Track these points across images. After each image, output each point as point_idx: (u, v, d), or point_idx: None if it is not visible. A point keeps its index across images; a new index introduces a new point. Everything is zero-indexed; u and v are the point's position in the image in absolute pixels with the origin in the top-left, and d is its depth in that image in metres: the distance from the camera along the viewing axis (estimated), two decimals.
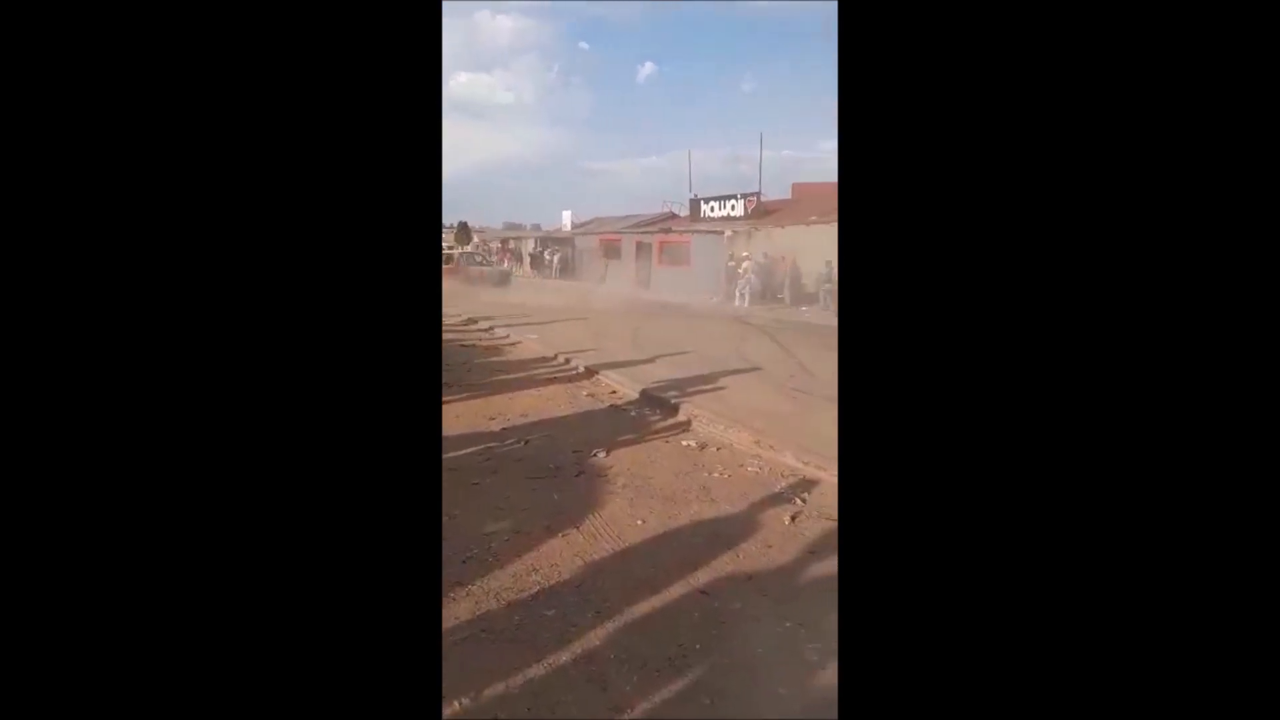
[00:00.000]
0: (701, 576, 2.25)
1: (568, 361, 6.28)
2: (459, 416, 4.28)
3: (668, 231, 19.86)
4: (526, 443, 3.78)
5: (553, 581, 2.21)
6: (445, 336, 7.89)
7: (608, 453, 3.62)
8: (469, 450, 3.58)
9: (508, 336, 7.93)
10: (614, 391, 5.22)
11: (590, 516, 2.76)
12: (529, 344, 7.40)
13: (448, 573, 2.22)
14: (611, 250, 22.77)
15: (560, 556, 2.40)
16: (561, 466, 3.41)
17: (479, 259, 22.61)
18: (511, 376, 5.60)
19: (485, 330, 8.73)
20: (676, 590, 2.16)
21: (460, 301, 12.24)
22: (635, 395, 5.02)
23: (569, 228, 28.07)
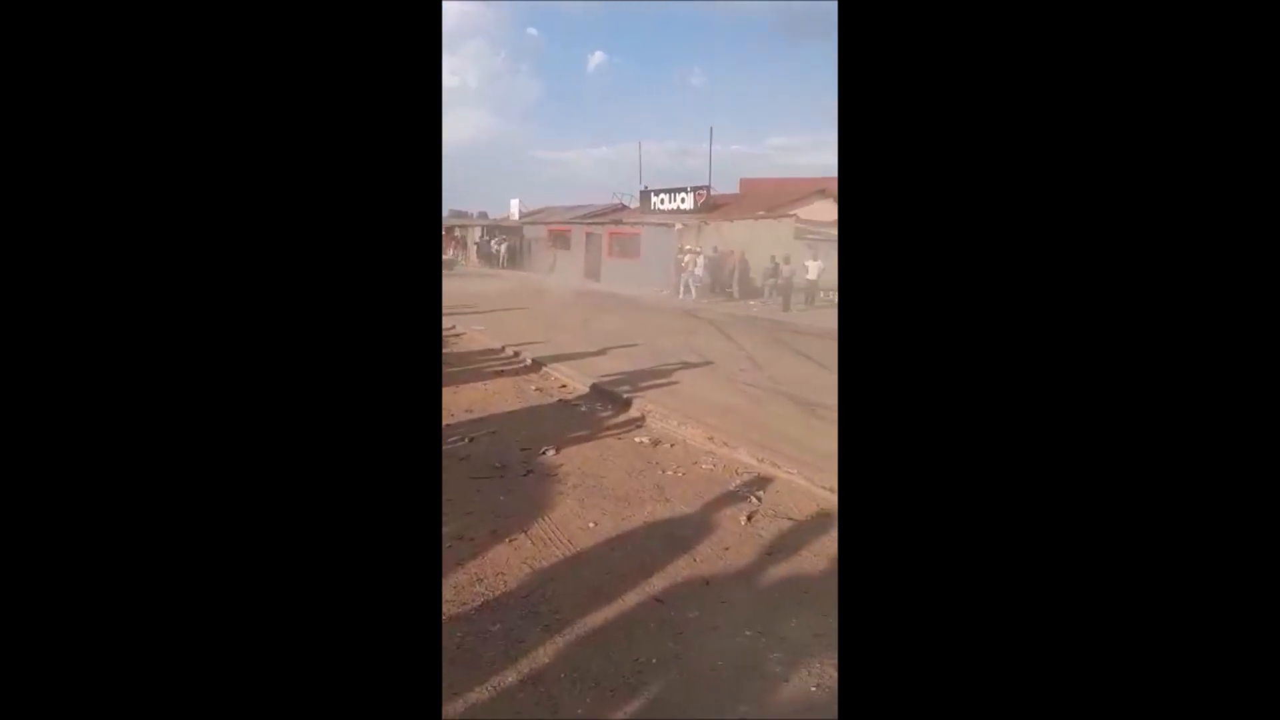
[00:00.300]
0: (657, 583, 2.15)
1: (516, 354, 6.07)
2: None
3: (618, 223, 19.67)
4: (472, 440, 3.59)
5: (498, 592, 2.06)
6: None
7: (557, 450, 3.48)
8: None
9: (453, 327, 7.61)
10: (564, 385, 5.06)
11: (539, 520, 2.62)
12: (475, 335, 7.13)
13: None
14: (560, 240, 22.41)
15: (507, 564, 2.25)
16: (509, 465, 3.24)
17: None
18: (457, 369, 5.35)
19: None
20: (631, 599, 2.05)
21: None
22: (586, 389, 4.88)
23: (517, 216, 27.50)
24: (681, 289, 14.82)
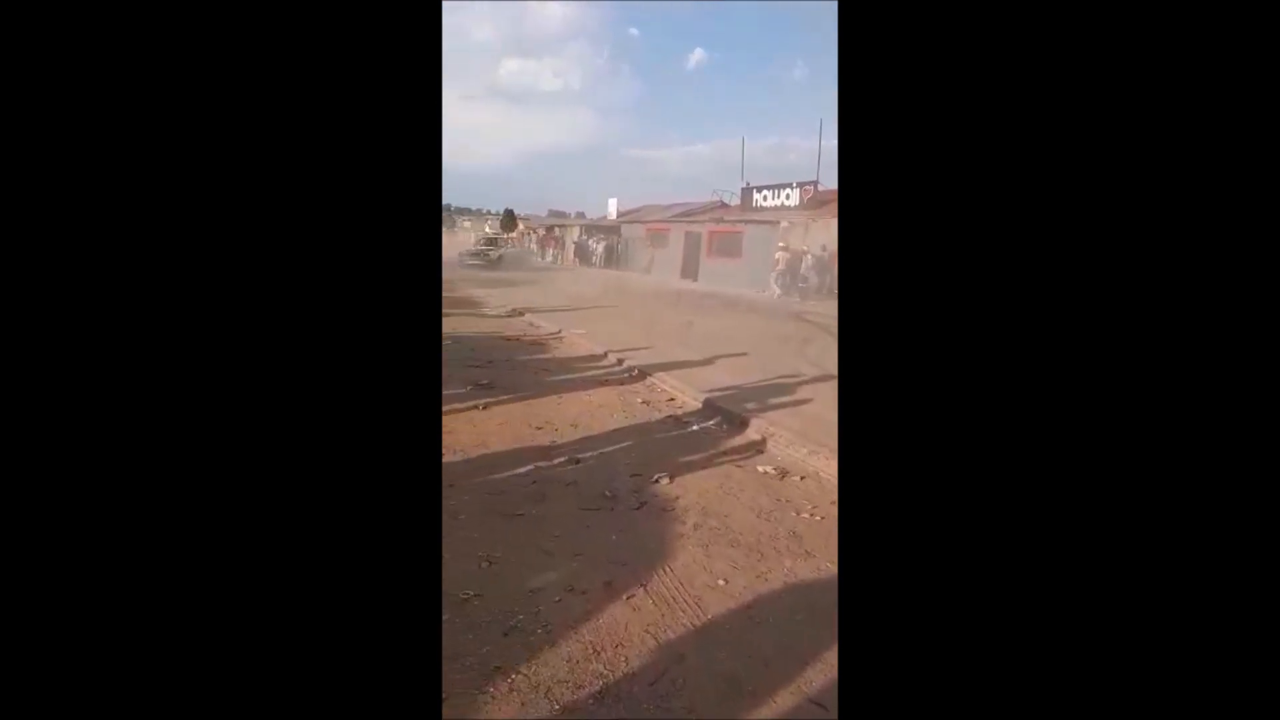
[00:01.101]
0: (812, 676, 1.72)
1: (620, 361, 5.78)
2: (503, 424, 3.82)
3: (718, 221, 19.13)
4: (578, 462, 3.29)
5: (619, 673, 1.71)
6: (486, 329, 7.49)
7: (671, 478, 3.11)
8: (513, 471, 3.11)
9: (556, 331, 7.48)
10: (672, 399, 4.70)
11: (659, 570, 2.25)
12: (576, 339, 6.93)
13: (487, 648, 1.75)
14: (658, 239, 22.19)
15: (626, 632, 1.89)
16: (619, 495, 2.91)
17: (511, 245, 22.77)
18: (559, 378, 5.14)
19: (529, 323, 8.31)
20: (783, 698, 1.63)
21: (505, 292, 11.92)
22: (697, 404, 4.49)
23: (615, 216, 27.65)
24: (776, 287, 14.36)
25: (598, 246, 24.53)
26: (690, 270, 19.81)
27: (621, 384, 5.04)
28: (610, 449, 3.52)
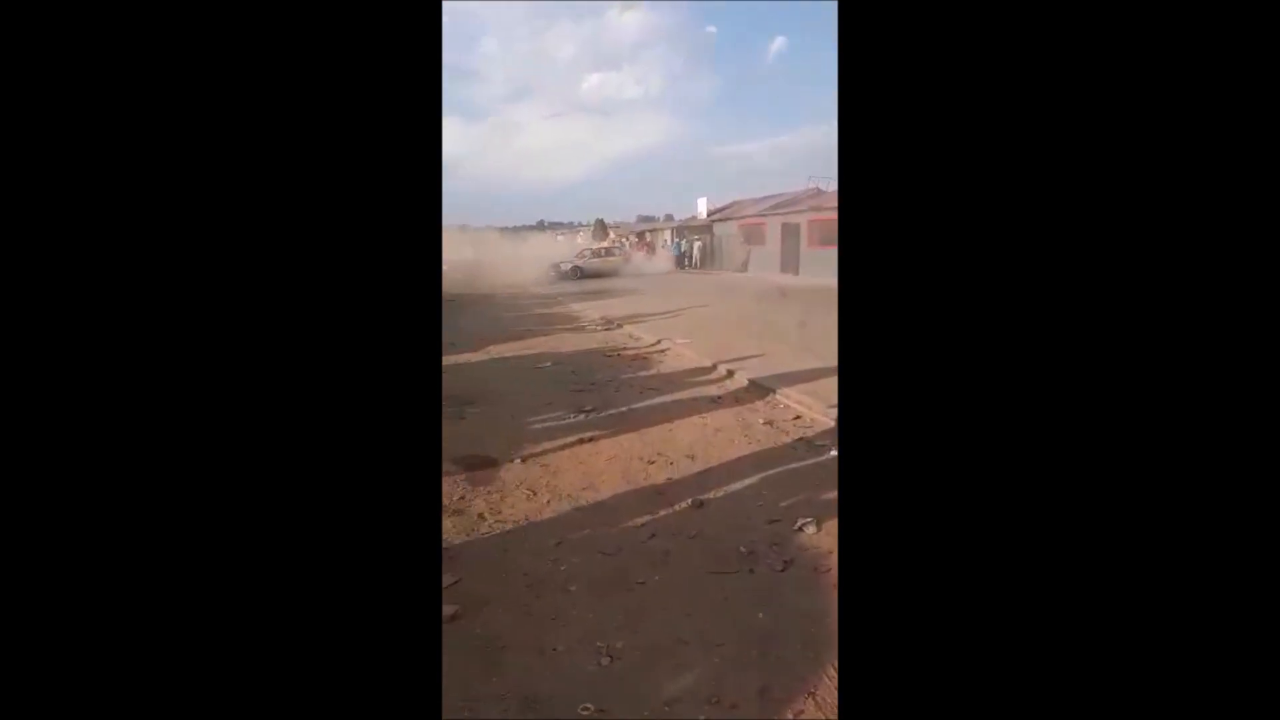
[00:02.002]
0: None
1: (730, 374, 5.25)
2: (612, 459, 3.42)
3: (818, 209, 18.01)
4: (702, 505, 2.81)
5: None
6: (586, 345, 7.22)
7: (818, 525, 2.54)
8: (629, 524, 2.68)
9: (656, 342, 7.07)
10: (798, 417, 4.10)
11: (826, 669, 1.72)
12: (681, 350, 6.47)
13: None
14: (754, 234, 21.34)
15: None
16: (757, 551, 2.39)
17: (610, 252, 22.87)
18: (668, 398, 4.69)
19: (629, 335, 7.96)
20: None
21: (604, 304, 11.72)
22: (828, 422, 3.86)
23: (705, 215, 27.06)
24: None
25: (691, 247, 24.05)
26: (790, 263, 18.81)
27: (738, 402, 4.50)
28: (737, 486, 3.01)
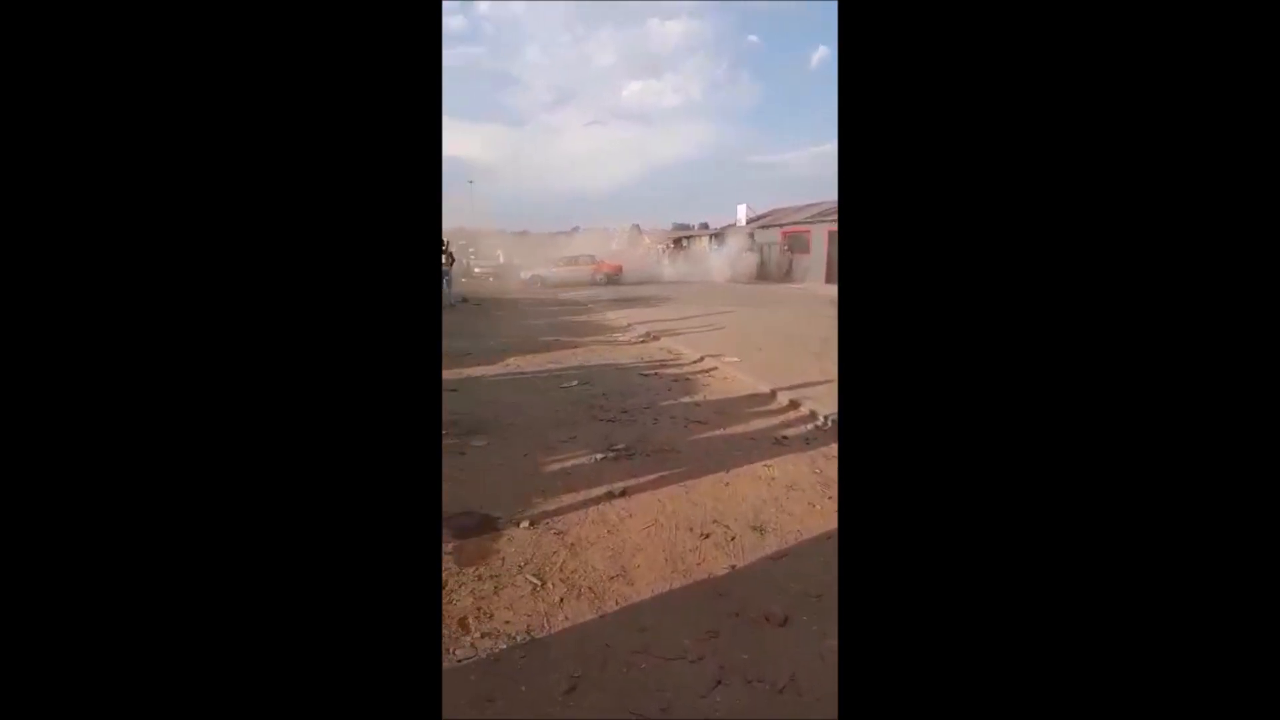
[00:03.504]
0: None
1: (795, 405, 4.30)
2: (650, 527, 2.52)
3: None
4: (785, 623, 1.88)
5: None
6: (620, 359, 6.33)
7: None
8: (680, 654, 1.76)
9: (699, 359, 6.15)
10: None
11: None
12: (730, 372, 5.54)
13: None
14: (797, 242, 20.27)
15: None
16: None
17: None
18: (718, 433, 3.77)
19: (667, 350, 7.05)
20: None
21: (638, 312, 10.85)
22: None
23: (744, 222, 26.15)
24: None
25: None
26: (836, 273, 17.70)
27: (809, 445, 3.55)
28: (835, 580, 2.08)
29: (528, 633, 1.86)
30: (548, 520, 2.61)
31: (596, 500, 2.80)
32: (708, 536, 2.45)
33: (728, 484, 2.97)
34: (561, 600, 2.02)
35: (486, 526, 2.54)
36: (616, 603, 2.01)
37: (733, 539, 2.44)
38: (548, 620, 1.92)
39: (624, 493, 2.87)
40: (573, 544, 2.40)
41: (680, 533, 2.49)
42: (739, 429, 3.84)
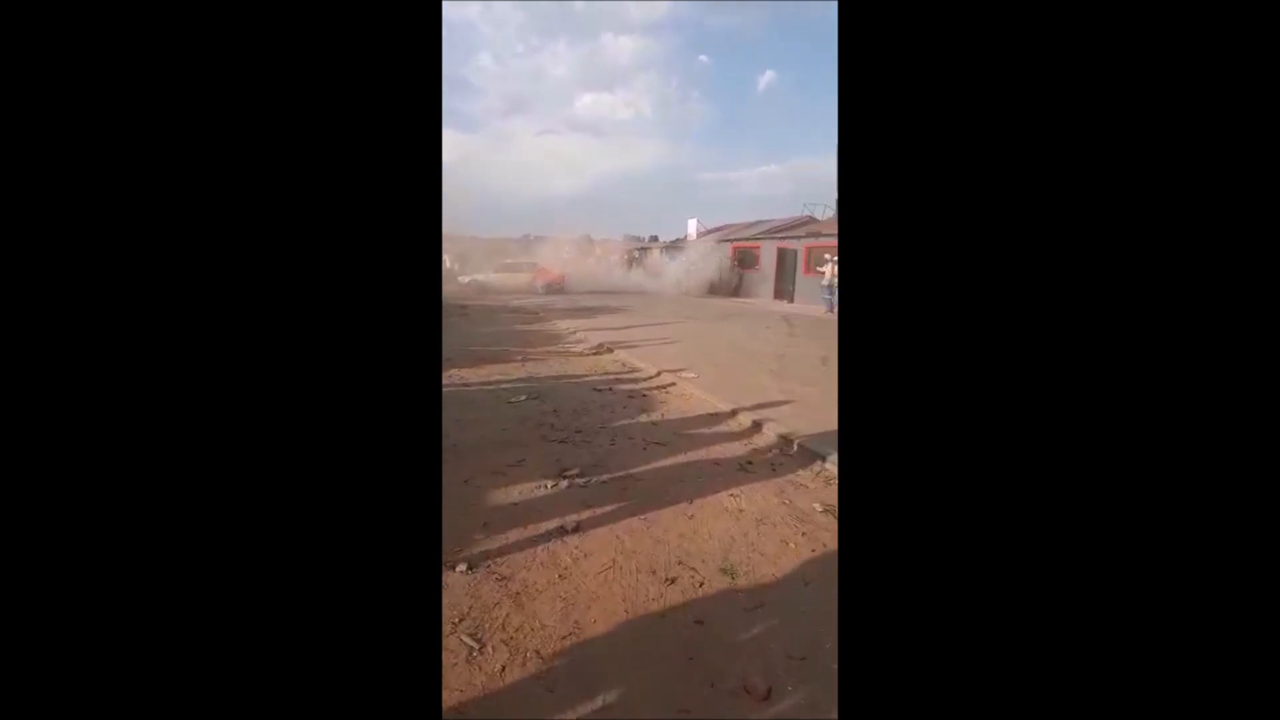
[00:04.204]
0: None
1: (757, 427, 4.08)
2: (609, 570, 2.22)
3: (815, 235, 17.15)
4: (767, 697, 1.61)
5: None
6: (572, 371, 6.00)
7: None
8: None
9: (655, 374, 5.88)
10: None
11: None
12: (688, 388, 5.29)
13: None
14: (746, 258, 20.42)
15: None
16: None
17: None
18: (681, 459, 3.50)
19: (622, 363, 6.77)
20: None
21: (590, 321, 10.53)
22: None
23: (695, 236, 26.32)
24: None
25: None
26: (785, 289, 17.90)
27: (776, 472, 3.32)
28: (819, 635, 1.82)
29: (458, 705, 1.53)
30: (490, 562, 2.26)
31: (547, 536, 2.47)
32: (672, 582, 2.17)
33: (692, 517, 2.70)
34: (503, 669, 1.69)
35: None
36: (568, 672, 1.69)
37: (700, 584, 2.16)
38: (486, 691, 1.59)
39: (578, 527, 2.56)
40: (518, 593, 2.07)
41: (641, 577, 2.20)
42: (701, 454, 3.58)
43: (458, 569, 2.19)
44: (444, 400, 4.76)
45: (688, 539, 2.49)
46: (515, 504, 2.78)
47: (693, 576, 2.21)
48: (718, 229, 26.17)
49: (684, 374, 5.70)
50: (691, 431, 4.03)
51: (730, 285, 20.55)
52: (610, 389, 5.31)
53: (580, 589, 2.11)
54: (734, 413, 4.36)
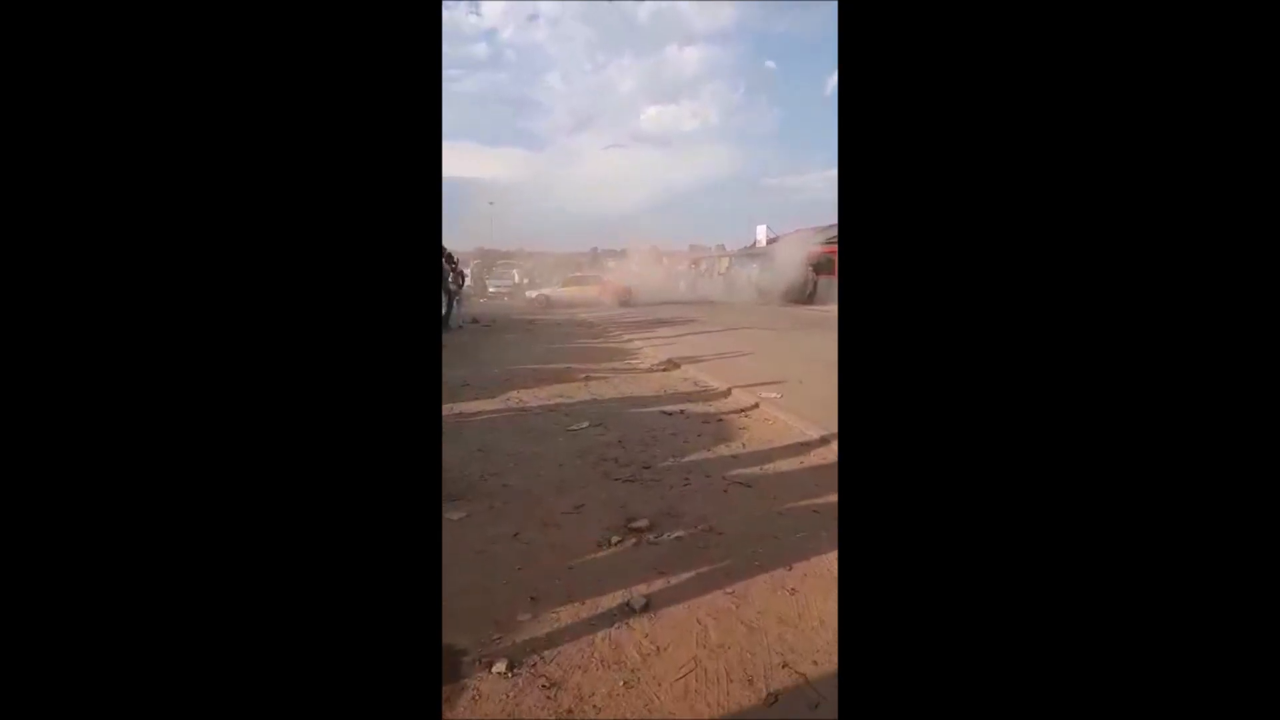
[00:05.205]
0: None
1: None
2: (687, 677, 1.67)
3: None
4: None
5: None
6: (639, 392, 5.49)
7: None
8: None
9: (729, 393, 5.29)
10: None
11: None
12: (770, 411, 4.66)
13: None
14: (822, 264, 19.40)
15: None
16: None
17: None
18: (772, 509, 2.89)
19: (694, 382, 6.20)
20: None
21: (656, 333, 10.04)
22: None
23: (764, 242, 25.49)
24: None
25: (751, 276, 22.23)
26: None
27: None
28: None
29: None
30: (536, 657, 1.76)
31: (608, 618, 1.95)
32: (776, 700, 1.59)
33: (794, 591, 2.10)
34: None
35: (445, 669, 1.70)
36: None
37: (816, 706, 1.57)
38: None
39: (647, 605, 2.02)
40: (570, 709, 1.55)
41: (734, 688, 1.63)
42: (796, 498, 2.96)
43: (494, 669, 1.70)
44: (500, 430, 4.35)
45: (791, 626, 1.90)
46: (570, 568, 2.28)
47: (802, 687, 1.62)
48: (787, 234, 25.24)
49: (764, 394, 5.06)
50: (781, 467, 3.41)
51: (804, 292, 19.58)
52: (682, 412, 4.75)
53: (653, 705, 1.57)
54: (827, 440, 3.70)
